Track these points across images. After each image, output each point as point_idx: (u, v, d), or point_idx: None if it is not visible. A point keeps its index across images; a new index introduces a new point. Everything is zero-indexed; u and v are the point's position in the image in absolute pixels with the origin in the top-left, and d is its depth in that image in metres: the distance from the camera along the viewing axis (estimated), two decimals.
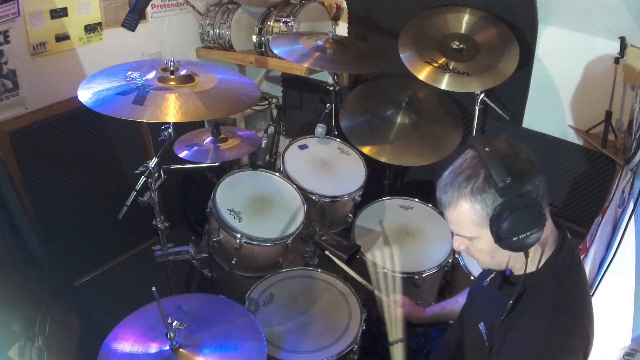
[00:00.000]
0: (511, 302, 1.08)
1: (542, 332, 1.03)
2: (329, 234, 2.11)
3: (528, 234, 1.00)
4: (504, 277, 1.17)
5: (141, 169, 1.63)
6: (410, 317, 1.64)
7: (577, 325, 1.05)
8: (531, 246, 1.04)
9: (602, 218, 1.84)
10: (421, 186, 2.84)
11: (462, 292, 1.60)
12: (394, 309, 1.65)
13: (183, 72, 1.60)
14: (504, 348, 1.08)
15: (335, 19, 2.79)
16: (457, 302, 1.59)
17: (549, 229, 1.09)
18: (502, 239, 1.02)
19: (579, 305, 1.08)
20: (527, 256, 1.06)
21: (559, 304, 1.05)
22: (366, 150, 2.30)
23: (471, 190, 1.03)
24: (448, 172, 1.10)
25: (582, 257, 1.71)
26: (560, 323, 1.03)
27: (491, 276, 1.27)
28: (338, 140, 2.37)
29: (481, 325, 1.19)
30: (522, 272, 1.10)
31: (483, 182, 1.02)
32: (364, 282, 1.71)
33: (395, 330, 1.44)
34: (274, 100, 3.24)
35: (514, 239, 1.01)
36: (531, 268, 1.08)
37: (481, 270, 1.41)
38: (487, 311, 1.20)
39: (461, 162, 1.08)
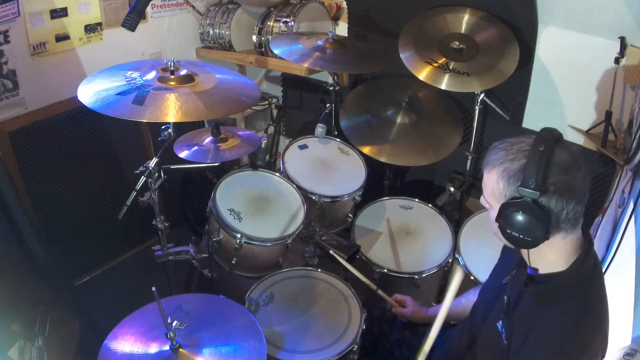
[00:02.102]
0: (537, 297, 1.11)
1: (567, 333, 1.04)
2: (329, 234, 2.12)
3: (521, 236, 1.04)
4: (529, 276, 1.17)
5: (141, 169, 1.63)
6: (414, 317, 1.65)
7: (600, 328, 1.07)
8: (521, 247, 1.08)
9: (602, 218, 1.84)
10: (421, 186, 2.84)
11: (465, 294, 1.61)
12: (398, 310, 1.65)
13: (183, 72, 1.60)
14: (527, 345, 1.08)
15: (335, 19, 2.79)
16: (460, 303, 1.59)
17: (578, 233, 1.10)
18: (499, 222, 1.08)
19: (601, 308, 1.09)
20: (526, 249, 1.10)
21: (585, 307, 1.07)
22: (366, 150, 2.30)
23: (504, 168, 1.06)
24: (505, 141, 1.12)
25: None
26: (585, 326, 1.05)
27: (511, 274, 1.27)
28: (338, 140, 2.37)
29: (499, 324, 1.19)
30: (548, 271, 1.12)
31: (517, 170, 1.04)
32: (367, 281, 1.71)
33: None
34: (274, 100, 3.24)
35: (507, 230, 1.06)
36: (560, 267, 1.10)
37: (492, 269, 1.42)
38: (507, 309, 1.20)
39: (519, 141, 1.09)
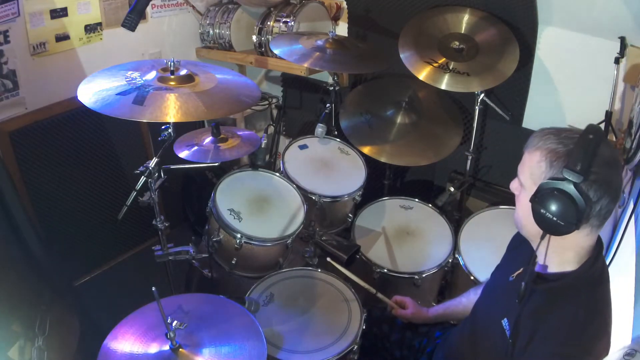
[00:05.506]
0: (546, 295, 1.10)
1: (574, 334, 1.05)
2: (329, 234, 2.11)
3: (554, 218, 1.01)
4: (538, 273, 1.16)
5: (141, 169, 1.63)
6: (414, 318, 1.64)
7: (605, 331, 1.07)
8: (550, 232, 1.05)
9: None
10: (421, 186, 2.84)
11: (466, 293, 1.60)
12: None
13: (183, 72, 1.60)
14: (533, 344, 1.08)
15: (335, 19, 2.79)
16: (461, 302, 1.59)
17: (593, 238, 1.10)
18: (533, 202, 1.05)
19: (607, 311, 1.10)
20: (541, 238, 1.08)
21: (592, 308, 1.07)
22: (366, 150, 2.30)
23: (550, 149, 1.06)
24: (552, 127, 1.12)
25: None
26: (591, 328, 1.05)
27: (518, 272, 1.26)
28: (338, 140, 2.37)
29: (504, 321, 1.19)
30: (558, 270, 1.11)
31: (563, 152, 1.04)
32: (366, 285, 1.70)
33: None
34: (274, 100, 3.24)
35: (541, 211, 1.03)
36: (570, 267, 1.10)
37: (494, 268, 1.41)
38: (514, 307, 1.18)
39: (566, 129, 1.09)
